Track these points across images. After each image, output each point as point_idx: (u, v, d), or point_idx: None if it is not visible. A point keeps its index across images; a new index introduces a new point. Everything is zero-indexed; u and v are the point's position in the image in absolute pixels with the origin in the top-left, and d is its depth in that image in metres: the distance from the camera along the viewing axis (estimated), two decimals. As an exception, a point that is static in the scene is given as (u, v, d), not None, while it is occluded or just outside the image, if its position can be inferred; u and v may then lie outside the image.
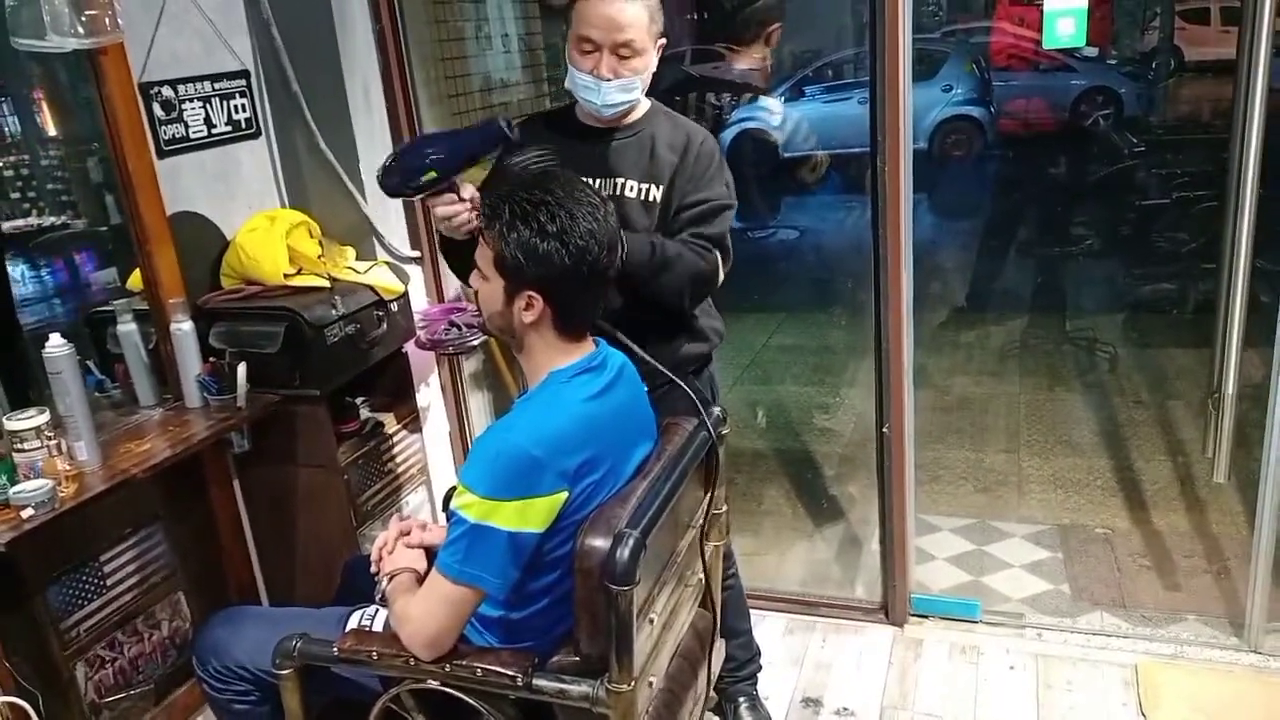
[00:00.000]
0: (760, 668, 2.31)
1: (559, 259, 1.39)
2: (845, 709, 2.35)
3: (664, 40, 1.82)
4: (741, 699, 2.27)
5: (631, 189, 1.83)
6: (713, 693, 2.21)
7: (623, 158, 1.85)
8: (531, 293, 1.42)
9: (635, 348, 1.60)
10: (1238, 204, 2.18)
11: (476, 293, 1.51)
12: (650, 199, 1.84)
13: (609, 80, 1.75)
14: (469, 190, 1.64)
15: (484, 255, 1.45)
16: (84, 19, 1.92)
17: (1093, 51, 7.78)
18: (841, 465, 3.60)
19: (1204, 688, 2.29)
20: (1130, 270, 5.25)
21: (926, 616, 2.63)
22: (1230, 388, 2.31)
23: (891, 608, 2.62)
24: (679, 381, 1.61)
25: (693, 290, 1.83)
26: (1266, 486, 2.26)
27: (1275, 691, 2.26)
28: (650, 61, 1.79)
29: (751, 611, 2.31)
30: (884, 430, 2.48)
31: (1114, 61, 8.09)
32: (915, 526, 2.64)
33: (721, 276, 1.86)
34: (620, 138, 1.86)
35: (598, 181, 1.82)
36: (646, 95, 1.88)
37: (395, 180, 1.61)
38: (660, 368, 1.61)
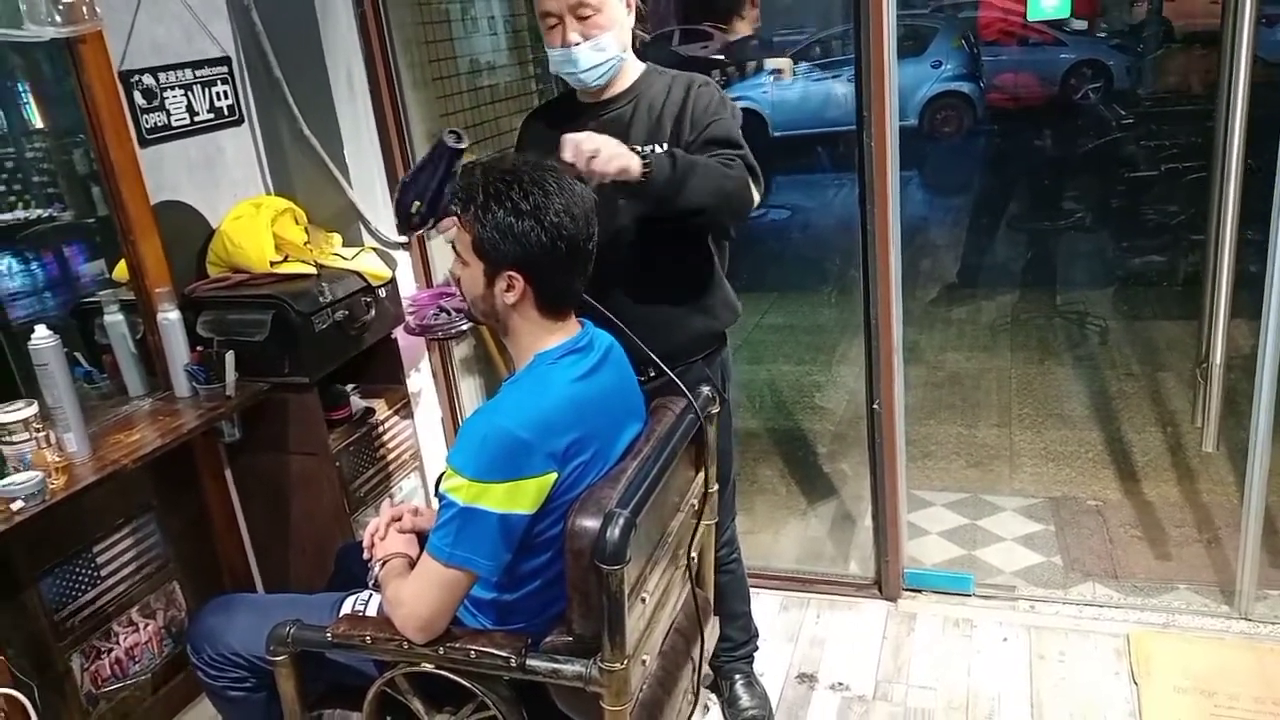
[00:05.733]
0: (757, 647, 2.32)
1: (535, 235, 1.39)
2: (840, 684, 2.36)
3: None
4: (737, 676, 2.28)
5: (638, 152, 1.81)
6: (708, 670, 2.23)
7: (624, 123, 1.83)
8: (511, 273, 1.42)
9: (632, 335, 1.59)
10: (1224, 175, 2.18)
11: (459, 280, 1.51)
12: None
13: (578, 44, 1.75)
14: None
15: (462, 241, 1.45)
16: (61, 7, 1.91)
17: (1082, 24, 7.76)
18: (834, 443, 3.61)
19: (1195, 656, 2.31)
20: (1120, 243, 5.26)
21: (920, 591, 2.65)
22: (1218, 358, 2.32)
23: (885, 583, 2.64)
24: (664, 368, 1.60)
25: (725, 199, 1.70)
26: (1255, 455, 2.28)
27: (1265, 658, 2.28)
28: (616, 15, 1.77)
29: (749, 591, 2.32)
30: (875, 407, 2.49)
31: (1103, 34, 8.06)
32: (908, 502, 2.65)
33: (755, 195, 1.76)
34: (619, 105, 1.84)
35: None
36: (641, 60, 1.87)
37: (402, 226, 1.70)
38: (650, 354, 1.60)
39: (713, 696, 2.31)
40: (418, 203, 1.64)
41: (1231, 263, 2.23)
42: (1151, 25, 7.94)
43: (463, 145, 1.62)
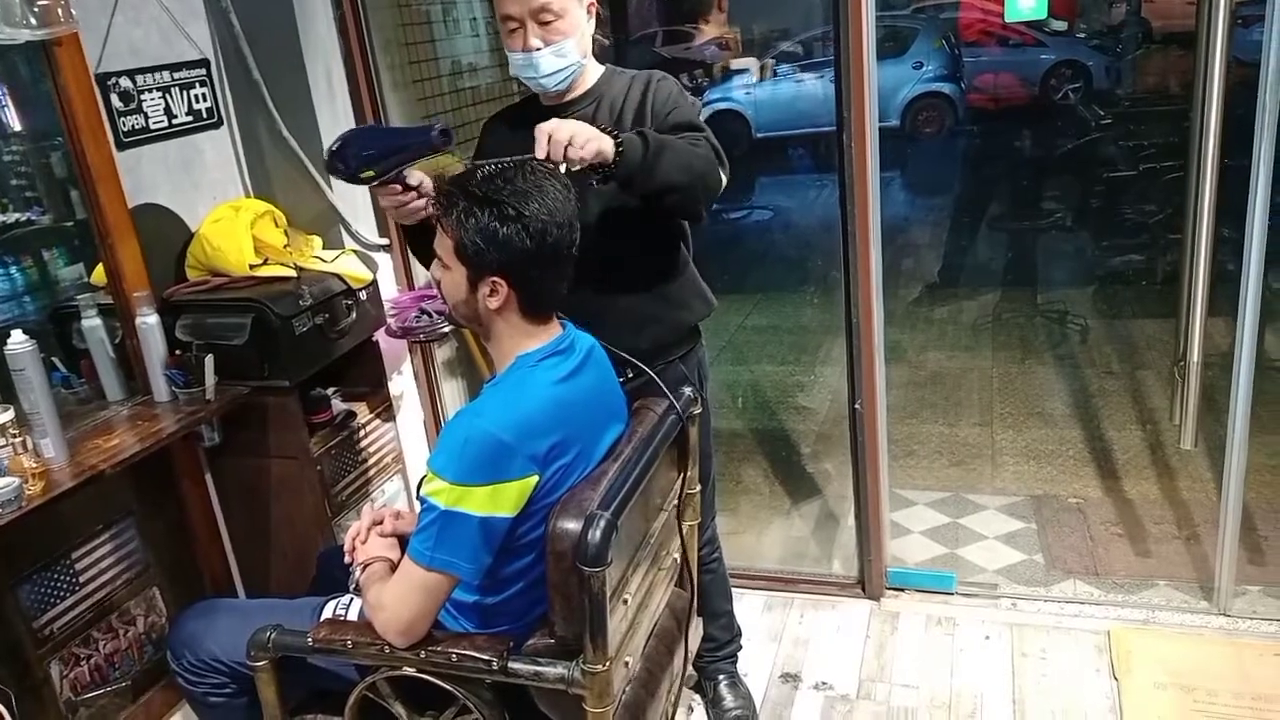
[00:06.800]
0: (740, 647, 2.33)
1: (520, 242, 1.38)
2: (824, 683, 2.37)
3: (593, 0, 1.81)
4: (721, 676, 2.28)
5: (608, 132, 1.80)
6: (692, 670, 2.24)
7: (587, 123, 1.82)
8: (495, 278, 1.41)
9: (610, 347, 1.59)
10: (1199, 174, 2.20)
11: (440, 284, 1.50)
12: None
13: (539, 50, 1.74)
14: (417, 178, 1.63)
15: (444, 244, 1.44)
16: (36, 10, 1.89)
17: (1062, 25, 7.81)
18: (818, 443, 3.62)
19: (1175, 651, 2.32)
20: (1099, 242, 5.30)
21: (902, 590, 2.66)
22: (1195, 355, 2.34)
23: (868, 582, 2.65)
24: (644, 368, 1.60)
25: (697, 176, 1.68)
26: (1232, 452, 2.30)
27: (1244, 653, 2.30)
28: (577, 21, 1.76)
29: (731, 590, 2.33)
30: (856, 406, 2.49)
31: (1083, 35, 8.12)
32: (890, 501, 2.66)
33: (723, 176, 1.75)
34: (580, 107, 1.84)
35: None
36: (601, 63, 1.87)
37: (339, 172, 1.65)
38: (627, 357, 1.60)
39: (696, 697, 2.31)
40: (371, 171, 1.61)
41: (1208, 261, 2.25)
42: (1130, 26, 8.01)
43: (448, 147, 1.59)
